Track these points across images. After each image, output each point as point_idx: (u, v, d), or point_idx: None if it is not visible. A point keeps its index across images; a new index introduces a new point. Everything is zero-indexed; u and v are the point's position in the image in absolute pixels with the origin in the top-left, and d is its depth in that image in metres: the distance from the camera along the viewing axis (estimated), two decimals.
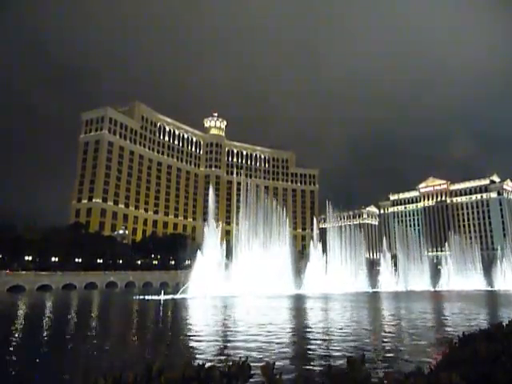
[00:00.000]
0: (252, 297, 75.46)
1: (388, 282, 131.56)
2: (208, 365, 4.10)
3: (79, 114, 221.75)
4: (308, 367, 20.04)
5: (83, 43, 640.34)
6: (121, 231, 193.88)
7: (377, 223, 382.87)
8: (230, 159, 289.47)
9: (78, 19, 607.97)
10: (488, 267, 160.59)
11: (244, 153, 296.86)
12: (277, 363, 5.08)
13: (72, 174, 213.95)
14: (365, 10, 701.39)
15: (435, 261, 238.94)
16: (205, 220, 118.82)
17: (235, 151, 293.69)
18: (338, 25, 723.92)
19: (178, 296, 74.94)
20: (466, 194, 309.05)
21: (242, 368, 4.07)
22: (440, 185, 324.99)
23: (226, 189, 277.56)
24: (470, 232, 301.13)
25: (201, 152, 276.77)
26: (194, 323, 40.97)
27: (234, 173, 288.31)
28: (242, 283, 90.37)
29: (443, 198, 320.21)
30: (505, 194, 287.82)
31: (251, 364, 4.04)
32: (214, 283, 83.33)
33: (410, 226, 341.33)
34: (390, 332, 32.99)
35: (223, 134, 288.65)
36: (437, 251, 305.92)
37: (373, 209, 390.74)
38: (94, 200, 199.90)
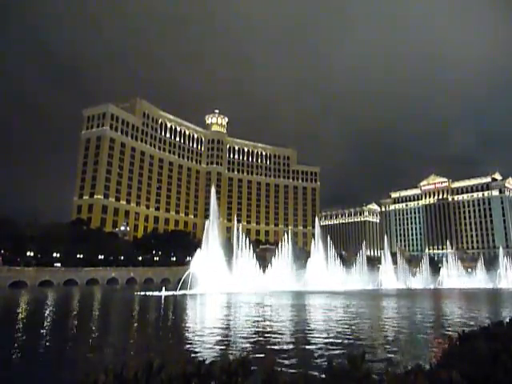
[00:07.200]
0: (253, 294, 75.59)
1: (389, 279, 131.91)
2: (208, 361, 4.08)
3: (81, 111, 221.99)
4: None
5: (83, 43, 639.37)
6: (122, 227, 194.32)
7: (378, 221, 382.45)
8: (231, 156, 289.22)
9: (78, 19, 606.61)
10: (489, 265, 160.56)
11: (245, 150, 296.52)
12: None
13: (73, 171, 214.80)
14: (365, 9, 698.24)
15: (436, 259, 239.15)
16: (206, 217, 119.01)
17: (236, 148, 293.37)
18: (338, 24, 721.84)
19: (178, 292, 75.11)
20: (467, 192, 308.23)
21: (242, 364, 4.04)
22: (441, 182, 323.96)
23: (227, 185, 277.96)
24: (471, 230, 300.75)
25: (202, 149, 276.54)
26: (194, 320, 41.09)
27: (236, 170, 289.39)
28: (244, 280, 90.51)
29: (444, 196, 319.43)
30: (506, 192, 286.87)
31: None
32: (214, 280, 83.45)
33: (411, 223, 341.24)
34: (391, 329, 33.05)
35: (224, 131, 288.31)
36: (438, 249, 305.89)
37: (374, 206, 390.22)
38: (95, 196, 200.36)
